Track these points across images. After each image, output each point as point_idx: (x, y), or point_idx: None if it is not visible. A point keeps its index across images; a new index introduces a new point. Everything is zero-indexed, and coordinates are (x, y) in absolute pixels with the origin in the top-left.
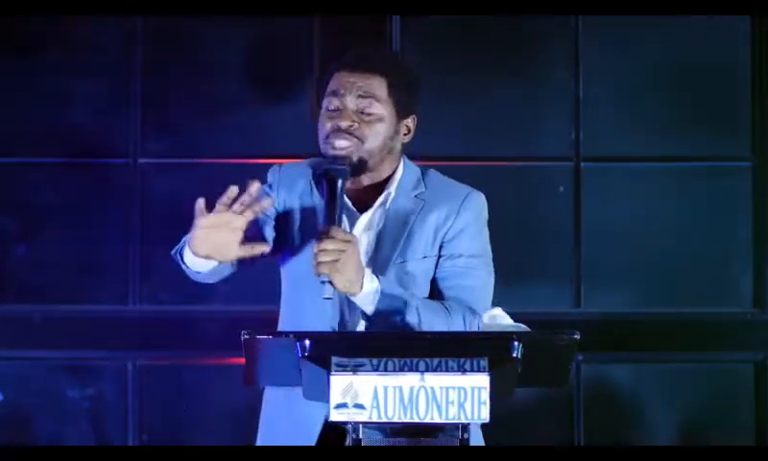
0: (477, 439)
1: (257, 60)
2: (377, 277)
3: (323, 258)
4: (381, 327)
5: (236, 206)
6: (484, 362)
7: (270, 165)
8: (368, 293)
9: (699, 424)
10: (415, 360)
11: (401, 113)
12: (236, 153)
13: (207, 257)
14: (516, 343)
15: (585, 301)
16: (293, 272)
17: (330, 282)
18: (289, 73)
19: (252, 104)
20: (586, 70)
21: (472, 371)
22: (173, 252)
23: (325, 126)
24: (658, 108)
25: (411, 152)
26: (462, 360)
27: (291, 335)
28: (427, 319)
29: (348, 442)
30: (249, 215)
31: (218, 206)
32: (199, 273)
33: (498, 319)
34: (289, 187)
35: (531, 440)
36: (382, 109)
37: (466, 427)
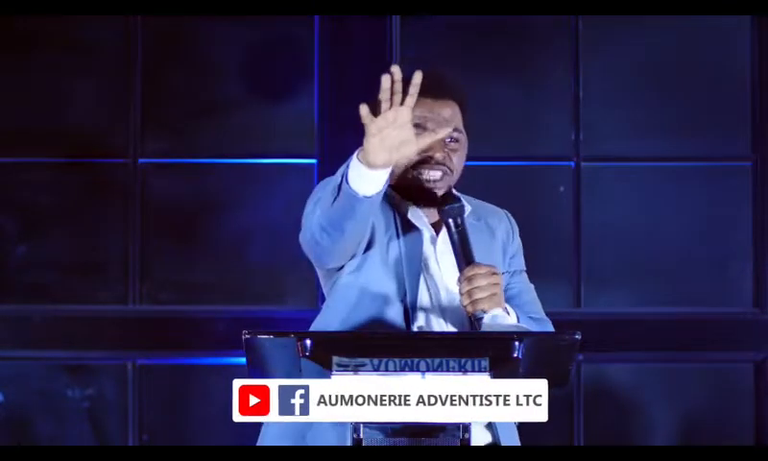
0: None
1: (257, 60)
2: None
3: (480, 295)
4: None
5: (397, 99)
6: (485, 362)
7: (269, 165)
8: (513, 318)
9: (699, 423)
10: (416, 360)
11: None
12: (236, 153)
13: (385, 165)
14: (516, 343)
15: (585, 301)
16: (361, 281)
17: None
18: (289, 73)
19: (252, 104)
20: (586, 70)
21: (473, 371)
22: (322, 194)
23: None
24: (657, 108)
25: None
26: (463, 360)
27: (292, 335)
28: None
29: (350, 442)
30: (410, 102)
31: (383, 105)
32: (367, 198)
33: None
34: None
35: (531, 440)
36: (462, 136)
37: (467, 427)
